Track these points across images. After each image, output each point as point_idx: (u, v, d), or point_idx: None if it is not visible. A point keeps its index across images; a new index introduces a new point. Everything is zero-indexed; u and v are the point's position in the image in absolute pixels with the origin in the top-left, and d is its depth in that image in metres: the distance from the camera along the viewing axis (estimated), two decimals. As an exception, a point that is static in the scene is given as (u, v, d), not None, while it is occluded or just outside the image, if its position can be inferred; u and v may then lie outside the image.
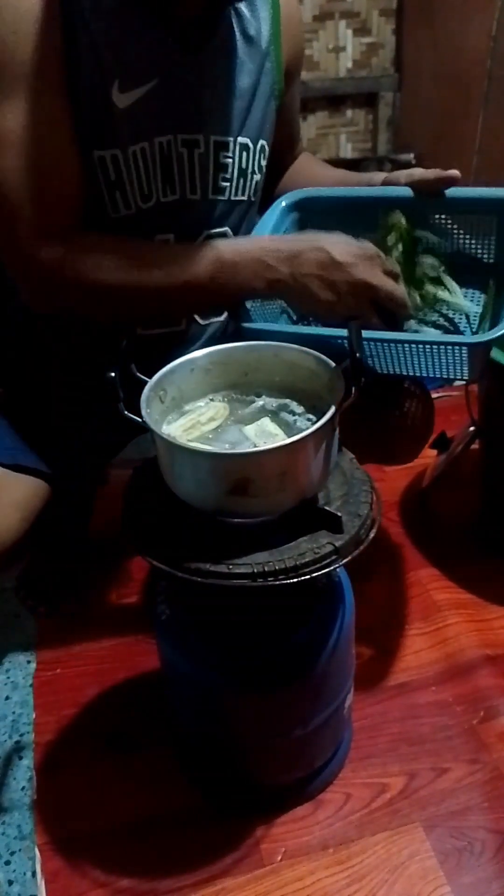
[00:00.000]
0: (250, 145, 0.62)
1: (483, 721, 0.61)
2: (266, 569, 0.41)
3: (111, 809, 0.56)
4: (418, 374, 0.53)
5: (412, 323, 0.59)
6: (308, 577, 0.42)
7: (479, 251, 0.62)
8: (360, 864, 0.52)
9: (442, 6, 1.48)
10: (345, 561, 0.43)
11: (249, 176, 0.63)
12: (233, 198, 0.62)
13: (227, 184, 0.61)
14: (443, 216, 0.61)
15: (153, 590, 0.56)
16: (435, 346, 0.51)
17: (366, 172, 0.70)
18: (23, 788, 0.58)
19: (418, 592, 0.75)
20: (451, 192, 0.60)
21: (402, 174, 0.62)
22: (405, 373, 0.53)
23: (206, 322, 0.66)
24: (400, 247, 0.59)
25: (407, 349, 0.51)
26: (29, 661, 0.69)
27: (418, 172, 0.61)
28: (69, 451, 0.65)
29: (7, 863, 0.53)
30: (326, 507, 0.45)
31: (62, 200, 0.53)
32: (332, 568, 0.42)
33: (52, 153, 0.52)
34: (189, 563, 0.42)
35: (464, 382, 0.59)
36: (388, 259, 0.54)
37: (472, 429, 0.81)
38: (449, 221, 0.61)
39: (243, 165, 0.62)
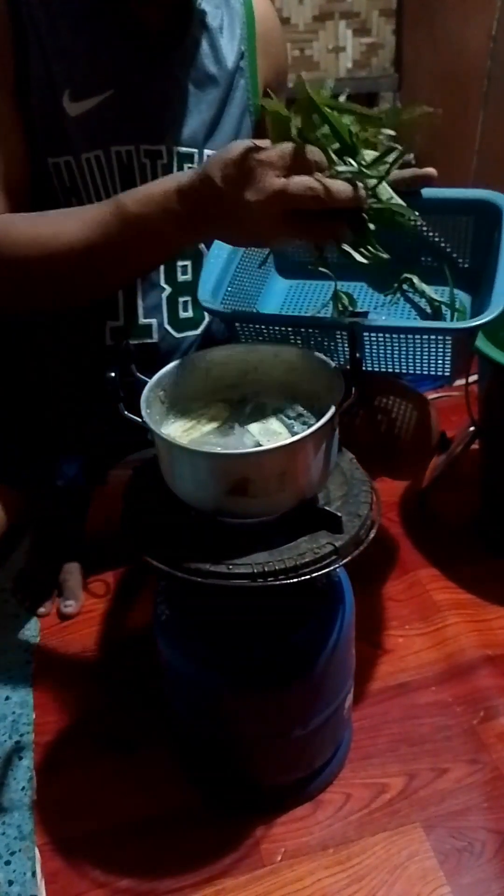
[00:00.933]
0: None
1: (483, 721, 0.61)
2: (266, 569, 0.41)
3: (111, 809, 0.56)
4: (391, 370, 0.49)
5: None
6: (308, 577, 0.42)
7: (455, 254, 0.61)
8: (360, 864, 0.52)
9: (442, 6, 1.48)
10: (345, 561, 0.43)
11: None
12: None
13: None
14: (419, 218, 0.59)
15: (153, 590, 0.56)
16: (411, 336, 0.48)
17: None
18: (23, 788, 0.58)
19: (418, 592, 0.74)
20: (428, 192, 0.58)
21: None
22: (378, 368, 0.50)
23: (181, 335, 0.65)
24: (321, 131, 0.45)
25: (378, 339, 0.48)
26: (28, 662, 0.69)
27: (394, 172, 0.61)
28: (68, 451, 0.65)
29: (7, 863, 0.53)
30: (326, 508, 0.45)
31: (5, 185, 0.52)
32: (332, 568, 0.42)
33: None
34: (189, 563, 0.42)
35: (444, 380, 0.55)
36: (272, 148, 0.41)
37: (471, 429, 0.81)
38: (424, 225, 0.60)
39: None
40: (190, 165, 0.60)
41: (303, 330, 0.51)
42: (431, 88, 1.57)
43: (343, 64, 1.65)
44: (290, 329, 0.52)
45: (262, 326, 0.52)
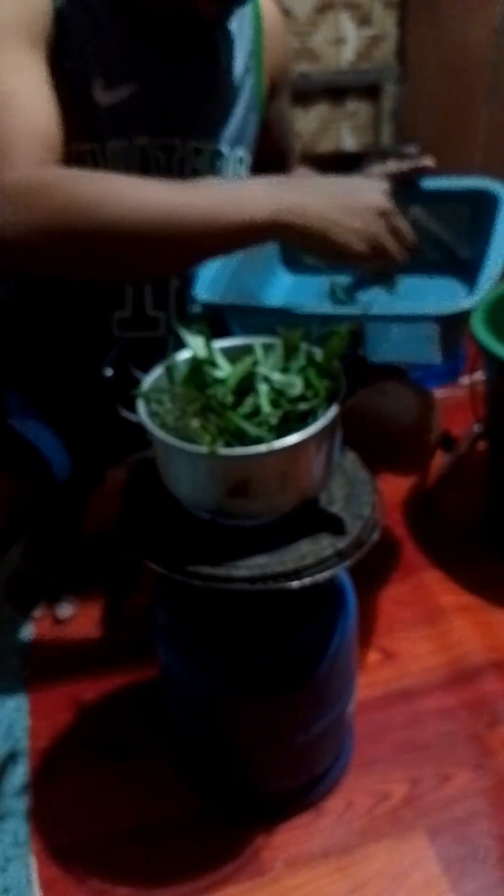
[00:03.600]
0: (225, 153, 0.62)
1: (488, 726, 0.60)
2: (266, 572, 0.40)
3: (108, 816, 0.55)
4: (383, 359, 0.49)
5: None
6: (309, 580, 0.40)
7: (454, 243, 0.61)
8: (362, 871, 0.51)
9: (445, -3, 1.47)
10: (347, 563, 0.42)
11: None
12: None
13: None
14: (417, 208, 0.60)
15: (151, 593, 0.55)
16: (395, 321, 0.48)
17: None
18: (18, 795, 0.57)
19: (422, 595, 0.73)
20: (426, 182, 0.59)
21: (376, 168, 0.61)
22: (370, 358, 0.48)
23: None
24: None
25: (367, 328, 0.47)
26: (23, 666, 0.68)
27: (392, 164, 0.60)
28: (67, 450, 0.64)
29: (3, 870, 0.52)
30: (328, 509, 0.44)
31: (44, 139, 0.49)
32: (334, 571, 0.41)
33: (33, 102, 0.49)
34: (187, 566, 0.41)
35: (434, 366, 0.54)
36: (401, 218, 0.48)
37: (475, 428, 0.80)
38: (424, 214, 0.60)
39: (219, 172, 0.62)
40: (202, 160, 0.60)
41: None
42: (435, 81, 1.56)
43: (345, 56, 1.63)
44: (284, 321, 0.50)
45: (256, 319, 0.51)
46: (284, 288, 0.64)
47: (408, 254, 0.48)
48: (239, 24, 0.61)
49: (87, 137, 0.54)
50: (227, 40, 0.60)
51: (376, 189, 0.48)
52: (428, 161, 0.57)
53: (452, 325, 0.50)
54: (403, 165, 0.58)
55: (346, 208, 0.46)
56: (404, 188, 0.58)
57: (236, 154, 0.63)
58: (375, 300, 0.55)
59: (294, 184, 0.47)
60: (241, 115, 0.62)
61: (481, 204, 0.57)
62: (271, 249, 0.64)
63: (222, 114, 0.61)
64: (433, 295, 0.58)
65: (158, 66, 0.56)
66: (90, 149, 0.55)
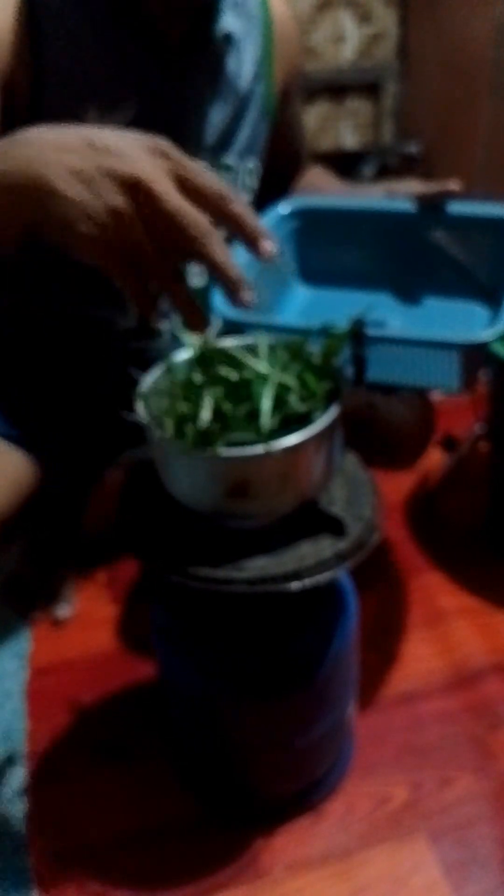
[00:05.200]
0: (236, 167, 0.61)
1: (490, 730, 0.60)
2: (266, 573, 0.40)
3: (107, 820, 0.55)
4: (393, 382, 0.48)
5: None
6: (310, 582, 0.40)
7: (475, 268, 0.59)
8: (363, 875, 0.51)
9: (447, -5, 1.46)
10: (348, 565, 0.41)
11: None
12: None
13: None
14: (441, 232, 0.58)
15: (150, 595, 0.54)
16: (415, 348, 0.46)
17: (365, 185, 0.68)
18: (16, 798, 0.57)
19: (424, 597, 0.73)
20: (452, 207, 0.57)
21: (401, 187, 0.60)
22: (381, 379, 0.47)
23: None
24: None
25: (375, 351, 0.46)
26: (22, 669, 0.67)
27: (417, 187, 0.59)
28: (64, 449, 0.64)
29: (1, 873, 0.52)
30: (328, 510, 0.43)
31: None
32: (334, 572, 0.41)
33: None
34: (187, 567, 0.40)
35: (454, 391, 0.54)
36: (196, 165, 0.35)
37: (477, 429, 0.79)
38: (446, 237, 0.59)
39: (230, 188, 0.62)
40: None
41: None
42: (436, 79, 1.55)
43: (345, 53, 1.63)
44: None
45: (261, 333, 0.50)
46: (300, 303, 0.62)
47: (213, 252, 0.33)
48: (246, 29, 0.59)
49: None
50: (232, 47, 0.57)
51: (137, 146, 0.32)
52: (453, 185, 0.55)
53: (475, 353, 0.48)
54: (427, 188, 0.57)
55: (75, 169, 0.31)
56: (428, 211, 0.57)
57: (247, 166, 0.61)
58: (389, 321, 0.54)
59: (25, 139, 0.33)
60: (251, 124, 0.61)
61: None
62: (287, 261, 0.61)
63: (231, 126, 0.59)
64: (454, 319, 0.57)
65: (160, 80, 0.53)
66: None
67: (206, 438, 0.38)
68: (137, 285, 0.34)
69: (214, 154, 0.59)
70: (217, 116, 0.58)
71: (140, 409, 0.41)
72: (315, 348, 0.43)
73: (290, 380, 0.41)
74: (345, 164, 1.62)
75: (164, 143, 0.34)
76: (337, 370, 0.42)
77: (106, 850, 0.53)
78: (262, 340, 0.44)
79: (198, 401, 0.40)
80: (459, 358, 0.46)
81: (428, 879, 0.50)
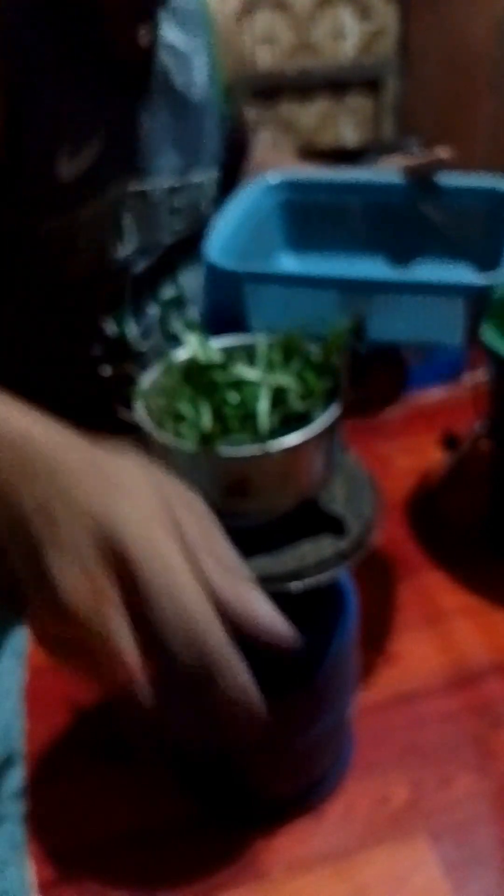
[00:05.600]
0: (202, 181, 0.61)
1: (491, 729, 0.60)
2: (266, 573, 0.40)
3: (106, 820, 0.55)
4: (391, 338, 0.47)
5: None
6: (310, 581, 0.40)
7: (464, 238, 0.59)
8: (363, 875, 0.51)
9: (447, -9, 1.45)
10: (348, 564, 0.41)
11: (203, 212, 0.61)
12: (183, 235, 0.61)
13: (182, 226, 0.60)
14: (431, 205, 0.58)
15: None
16: (419, 296, 0.45)
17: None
18: (15, 798, 0.57)
19: (424, 596, 0.72)
20: (443, 179, 0.58)
21: (387, 161, 0.61)
22: (377, 338, 0.46)
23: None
24: None
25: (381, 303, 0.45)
26: (20, 668, 0.67)
27: (405, 157, 0.59)
28: None
29: (0, 874, 0.52)
30: (328, 509, 0.43)
31: None
32: (335, 572, 0.40)
33: None
34: (184, 568, 0.40)
35: (455, 350, 0.54)
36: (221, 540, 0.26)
37: (478, 427, 0.79)
38: (437, 211, 0.59)
39: (196, 203, 0.61)
40: (178, 197, 0.58)
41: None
42: (436, 75, 1.54)
43: (345, 50, 1.62)
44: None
45: (274, 291, 0.48)
46: (289, 269, 0.62)
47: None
48: (189, 38, 0.58)
49: (55, 213, 0.51)
50: (178, 60, 0.56)
51: (143, 494, 0.24)
52: (443, 153, 0.54)
53: (481, 301, 0.47)
54: (416, 161, 0.56)
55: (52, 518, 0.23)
56: (418, 183, 0.57)
57: (213, 177, 0.62)
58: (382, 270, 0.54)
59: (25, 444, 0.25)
60: (211, 134, 0.61)
61: (497, 202, 0.56)
62: (273, 225, 0.61)
63: (194, 142, 0.59)
64: (446, 275, 0.57)
65: (122, 108, 0.52)
66: (60, 225, 0.51)
67: (205, 439, 0.38)
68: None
69: (183, 174, 0.59)
70: (179, 136, 0.58)
71: (139, 409, 0.41)
72: (313, 346, 0.43)
73: (287, 380, 0.40)
74: (345, 161, 1.61)
75: (190, 497, 0.25)
76: (337, 368, 0.42)
77: (105, 850, 0.53)
78: (260, 340, 0.43)
79: (196, 405, 0.40)
80: (465, 306, 0.45)
81: (428, 879, 0.50)
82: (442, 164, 0.55)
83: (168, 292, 0.64)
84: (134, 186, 0.55)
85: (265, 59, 1.59)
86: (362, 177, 0.61)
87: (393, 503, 0.83)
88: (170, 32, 0.56)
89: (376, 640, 0.67)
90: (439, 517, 0.81)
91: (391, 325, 0.46)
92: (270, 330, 0.43)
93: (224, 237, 0.52)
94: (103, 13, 0.48)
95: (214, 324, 0.51)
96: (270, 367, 0.41)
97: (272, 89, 1.63)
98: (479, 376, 0.75)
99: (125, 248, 0.55)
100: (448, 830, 0.53)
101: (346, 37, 1.61)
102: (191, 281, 0.68)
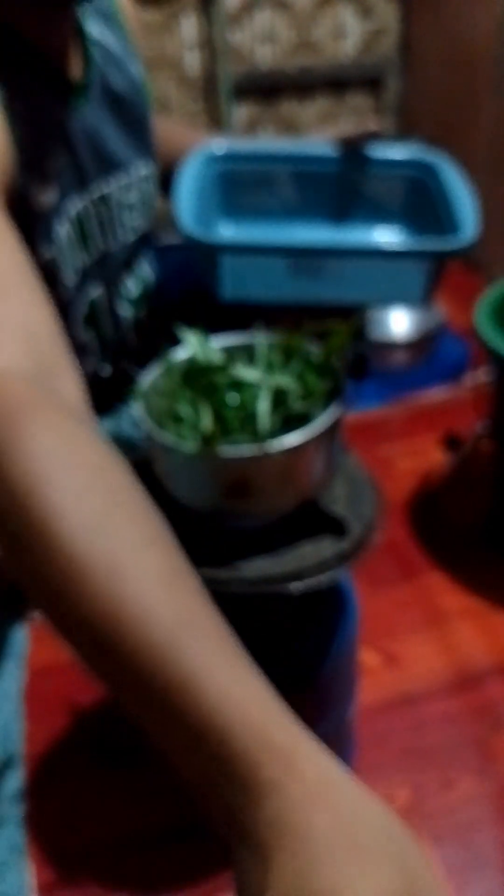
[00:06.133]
0: (150, 173, 0.61)
1: (492, 731, 0.59)
2: (266, 574, 0.39)
3: (106, 822, 0.55)
4: (357, 299, 0.50)
5: None
6: (311, 582, 0.39)
7: (393, 203, 0.65)
8: (364, 878, 0.51)
9: (448, -10, 1.45)
10: (349, 565, 0.41)
11: (153, 203, 0.62)
12: (142, 231, 0.62)
13: (139, 221, 0.60)
14: (361, 175, 0.63)
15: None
16: (381, 260, 0.49)
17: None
18: (15, 801, 0.56)
19: (425, 598, 0.72)
20: (372, 151, 0.63)
21: (324, 136, 0.64)
22: (338, 299, 0.49)
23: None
24: None
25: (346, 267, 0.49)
26: (19, 671, 0.67)
27: (338, 130, 0.63)
28: None
29: (0, 876, 0.52)
30: (329, 510, 0.43)
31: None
32: (335, 573, 0.40)
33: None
34: (184, 569, 0.40)
35: (412, 305, 0.60)
36: None
37: (479, 428, 0.79)
38: (366, 180, 0.64)
39: (146, 197, 0.61)
40: (130, 193, 0.58)
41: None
42: (438, 75, 1.54)
43: (345, 49, 1.62)
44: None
45: (251, 259, 0.50)
46: (229, 235, 0.65)
47: None
48: (109, 32, 0.57)
49: (39, 244, 0.49)
50: (108, 57, 0.56)
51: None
52: (373, 126, 0.60)
53: (440, 264, 0.52)
54: (349, 131, 0.60)
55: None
56: (349, 154, 0.61)
57: (153, 168, 0.62)
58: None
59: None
60: (149, 123, 0.61)
61: (423, 170, 0.62)
62: (213, 193, 0.64)
63: (134, 134, 0.59)
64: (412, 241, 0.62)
65: (72, 118, 0.51)
66: (50, 258, 0.50)
67: (206, 440, 0.38)
68: None
69: (132, 170, 0.58)
70: (122, 132, 0.57)
71: (139, 409, 0.41)
72: (313, 347, 0.42)
73: (287, 381, 0.40)
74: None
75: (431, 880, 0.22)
76: (337, 369, 0.42)
77: (105, 852, 0.53)
78: (260, 341, 0.43)
79: (197, 407, 0.39)
80: (427, 269, 0.48)
81: (430, 882, 0.50)
82: (372, 136, 0.58)
83: (134, 290, 0.64)
84: (95, 192, 0.55)
85: (265, 57, 1.58)
86: (297, 148, 0.64)
87: (394, 504, 0.82)
88: (95, 29, 0.56)
89: (377, 641, 0.67)
90: (441, 518, 0.81)
91: (354, 287, 0.48)
92: (240, 297, 0.44)
93: (190, 208, 0.54)
94: (20, 11, 0.45)
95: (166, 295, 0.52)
96: (270, 367, 0.41)
97: (272, 88, 1.62)
98: (480, 377, 0.75)
99: (91, 256, 0.55)
100: (449, 833, 0.53)
101: (346, 36, 1.60)
102: (147, 271, 0.68)
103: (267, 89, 1.64)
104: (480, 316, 0.67)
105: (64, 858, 0.53)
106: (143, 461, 0.45)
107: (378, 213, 0.64)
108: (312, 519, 0.42)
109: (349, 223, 0.64)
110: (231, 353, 0.43)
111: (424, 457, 0.87)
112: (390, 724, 0.60)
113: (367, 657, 0.65)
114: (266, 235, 0.64)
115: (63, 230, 0.52)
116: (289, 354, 0.42)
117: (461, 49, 1.42)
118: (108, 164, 0.56)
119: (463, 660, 0.65)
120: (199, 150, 0.63)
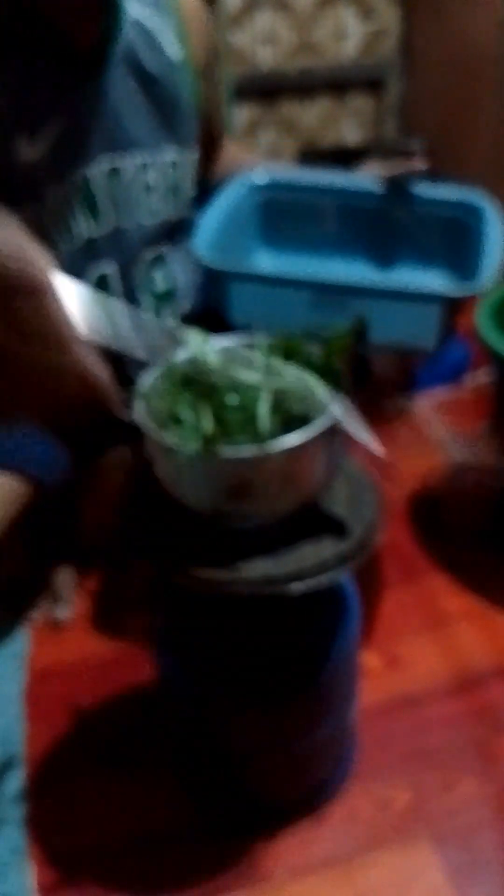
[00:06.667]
0: (179, 160, 0.61)
1: (494, 733, 0.59)
2: (267, 575, 0.39)
3: (107, 824, 0.54)
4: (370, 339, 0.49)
5: None
6: (311, 583, 0.39)
7: (437, 243, 0.64)
8: (365, 879, 0.50)
9: (449, -9, 1.45)
10: (350, 567, 0.41)
11: (182, 192, 0.62)
12: (166, 218, 0.61)
13: (160, 205, 0.60)
14: (405, 213, 0.62)
15: (150, 597, 0.54)
16: (394, 301, 0.49)
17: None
18: (15, 802, 0.56)
19: (427, 599, 0.72)
20: (418, 189, 0.61)
21: (371, 168, 0.64)
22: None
23: None
24: None
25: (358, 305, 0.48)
26: (21, 673, 0.67)
27: (386, 166, 0.63)
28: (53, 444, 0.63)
29: (1, 877, 0.52)
30: (330, 511, 0.43)
31: None
32: (336, 574, 0.40)
33: None
34: (186, 569, 0.40)
35: (426, 352, 0.58)
36: None
37: (480, 427, 0.79)
38: (410, 219, 0.63)
39: (175, 184, 0.60)
40: (154, 174, 0.58)
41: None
42: (439, 76, 1.54)
43: (347, 50, 1.62)
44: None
45: (259, 289, 0.51)
46: (265, 266, 0.64)
47: None
48: (156, 15, 0.58)
49: (21, 201, 0.50)
50: (145, 37, 0.57)
51: None
52: (419, 164, 0.60)
53: (454, 309, 0.51)
54: (391, 169, 0.60)
55: None
56: (395, 191, 0.60)
57: (192, 157, 0.62)
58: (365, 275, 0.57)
59: None
60: (184, 114, 0.60)
61: (467, 212, 0.60)
62: (253, 223, 0.63)
63: (164, 120, 0.59)
64: (424, 283, 0.61)
65: (77, 89, 0.52)
66: (30, 213, 0.50)
67: (206, 441, 0.38)
68: None
69: (153, 151, 0.58)
70: (147, 113, 0.57)
71: (139, 410, 0.41)
72: (314, 348, 0.42)
73: (287, 382, 0.40)
74: (346, 161, 1.61)
75: None
76: (338, 370, 0.42)
77: (106, 854, 0.53)
78: (260, 342, 0.43)
79: (197, 409, 0.39)
80: (440, 312, 0.47)
81: (431, 884, 0.50)
82: (418, 174, 0.58)
83: (161, 284, 0.64)
84: (105, 165, 0.55)
85: (266, 58, 1.59)
86: (341, 180, 0.63)
87: (396, 504, 0.83)
88: (135, 8, 0.56)
89: (378, 643, 0.67)
90: (442, 520, 0.81)
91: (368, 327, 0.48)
92: (249, 325, 0.44)
93: (210, 233, 0.53)
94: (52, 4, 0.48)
95: (205, 317, 0.52)
96: (273, 367, 0.41)
97: (273, 89, 1.63)
98: (481, 378, 0.75)
99: (101, 228, 0.55)
100: (451, 835, 0.52)
101: (347, 37, 1.61)
102: (179, 271, 0.68)
103: (267, 90, 1.65)
104: (481, 317, 0.67)
105: (65, 859, 0.53)
106: (146, 463, 0.45)
107: (421, 255, 0.62)
108: (313, 520, 0.42)
109: (390, 263, 0.63)
110: (231, 355, 0.43)
111: (426, 458, 0.87)
112: (391, 726, 0.60)
113: (368, 659, 0.65)
114: (300, 267, 0.63)
115: (58, 191, 0.52)
116: (289, 356, 0.42)
117: (462, 50, 1.42)
118: (123, 140, 0.56)
119: (464, 662, 0.65)
120: (240, 177, 0.63)
